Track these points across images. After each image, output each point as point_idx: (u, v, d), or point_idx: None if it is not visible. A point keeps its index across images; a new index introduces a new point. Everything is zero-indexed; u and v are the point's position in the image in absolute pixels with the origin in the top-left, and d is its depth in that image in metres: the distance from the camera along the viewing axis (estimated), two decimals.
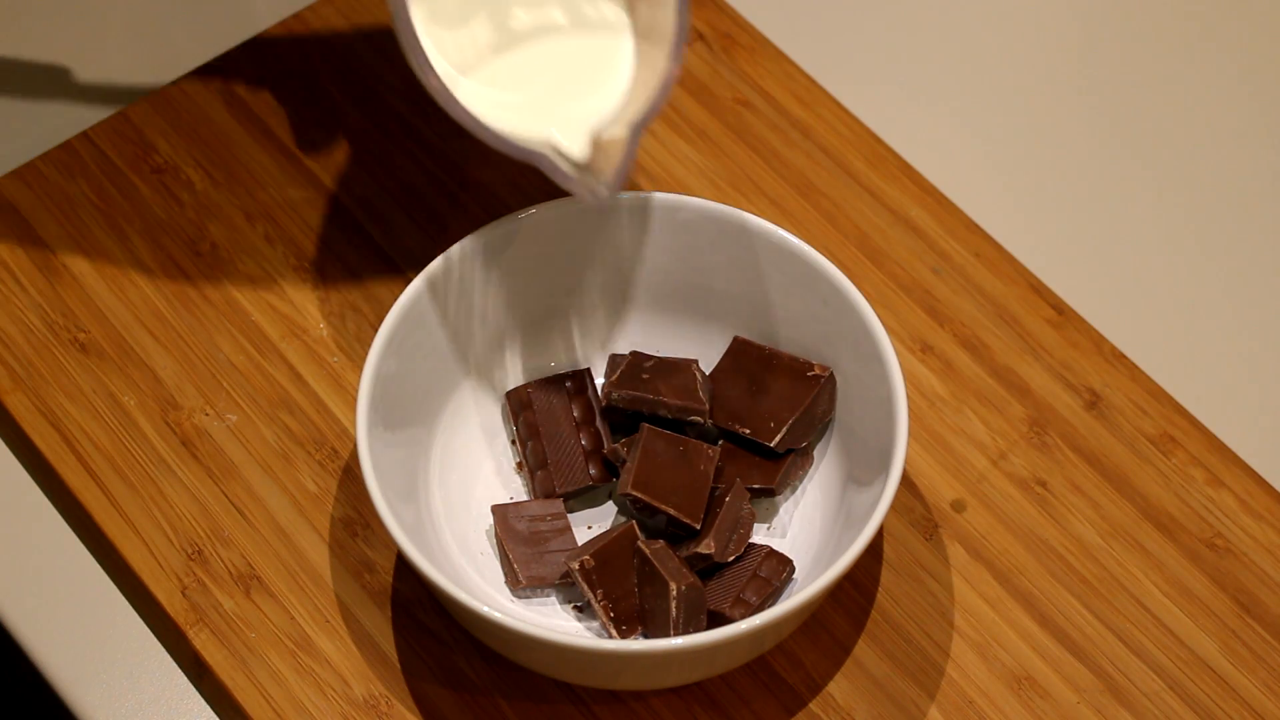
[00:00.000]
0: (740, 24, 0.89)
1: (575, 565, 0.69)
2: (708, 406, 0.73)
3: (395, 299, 0.72)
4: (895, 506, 0.75)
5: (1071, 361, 0.79)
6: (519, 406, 0.75)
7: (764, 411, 0.73)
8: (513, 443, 0.76)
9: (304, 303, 0.80)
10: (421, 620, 0.72)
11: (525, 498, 0.75)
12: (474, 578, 0.72)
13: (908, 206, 0.84)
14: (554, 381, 0.75)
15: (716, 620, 0.70)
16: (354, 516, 0.75)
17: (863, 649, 0.72)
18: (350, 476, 0.76)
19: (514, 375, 0.77)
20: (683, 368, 0.74)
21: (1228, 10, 0.92)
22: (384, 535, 0.74)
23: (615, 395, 0.73)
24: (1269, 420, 0.80)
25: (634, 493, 0.71)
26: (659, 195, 0.75)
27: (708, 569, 0.71)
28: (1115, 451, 0.77)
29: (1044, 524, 0.75)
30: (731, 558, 0.71)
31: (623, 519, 0.74)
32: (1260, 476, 0.77)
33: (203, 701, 0.72)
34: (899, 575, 0.74)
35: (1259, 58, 0.91)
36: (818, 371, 0.73)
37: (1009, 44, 0.92)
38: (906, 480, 0.76)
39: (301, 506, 0.75)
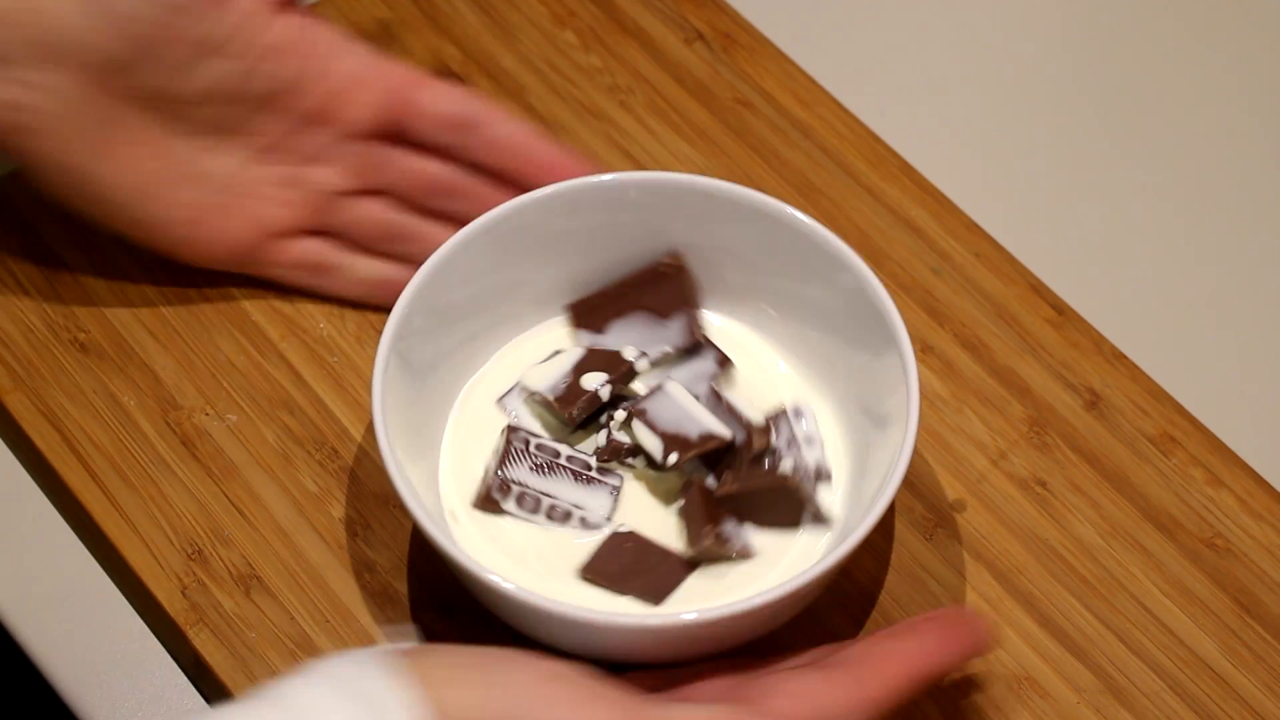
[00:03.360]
0: (740, 24, 0.89)
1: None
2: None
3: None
4: (895, 506, 0.75)
5: (1071, 361, 0.79)
6: (509, 440, 0.73)
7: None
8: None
9: (304, 303, 0.80)
10: (422, 621, 0.72)
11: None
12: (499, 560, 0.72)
13: (908, 206, 0.84)
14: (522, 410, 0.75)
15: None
16: (354, 516, 0.75)
17: None
18: (351, 476, 0.75)
19: (519, 364, 0.76)
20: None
21: (1227, 10, 0.92)
22: (384, 535, 0.74)
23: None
24: (1269, 420, 0.80)
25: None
26: (658, 174, 0.74)
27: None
28: (1115, 451, 0.77)
29: (1044, 524, 0.75)
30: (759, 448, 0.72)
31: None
32: (1260, 476, 0.77)
33: (203, 701, 0.72)
34: (899, 575, 0.74)
35: (1259, 58, 0.91)
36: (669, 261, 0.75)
37: (1009, 44, 0.92)
38: (907, 480, 0.76)
39: (301, 506, 0.75)
